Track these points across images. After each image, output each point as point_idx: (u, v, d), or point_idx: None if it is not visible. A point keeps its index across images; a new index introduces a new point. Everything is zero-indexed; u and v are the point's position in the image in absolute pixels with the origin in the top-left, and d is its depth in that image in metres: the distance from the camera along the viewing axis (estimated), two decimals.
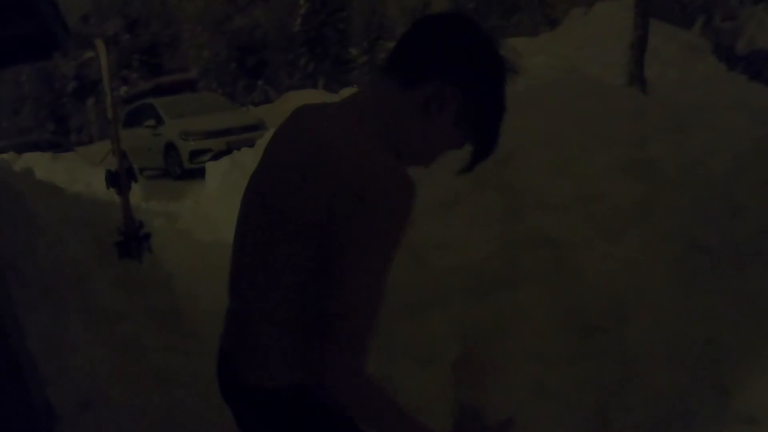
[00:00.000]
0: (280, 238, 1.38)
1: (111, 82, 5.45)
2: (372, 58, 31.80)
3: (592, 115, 3.74)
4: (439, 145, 1.55)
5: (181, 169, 14.13)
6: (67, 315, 3.88)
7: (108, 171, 5.25)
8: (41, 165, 9.90)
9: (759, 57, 20.90)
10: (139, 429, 3.50)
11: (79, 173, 10.95)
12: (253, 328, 1.46)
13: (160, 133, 14.62)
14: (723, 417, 2.30)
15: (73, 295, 4.03)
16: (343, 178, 1.30)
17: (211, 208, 9.05)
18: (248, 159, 8.55)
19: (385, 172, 1.31)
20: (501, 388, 2.61)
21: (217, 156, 11.12)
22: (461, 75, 1.42)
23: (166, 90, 19.15)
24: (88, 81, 40.88)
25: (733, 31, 22.56)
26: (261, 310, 1.45)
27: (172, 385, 3.73)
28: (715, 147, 3.28)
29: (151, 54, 40.45)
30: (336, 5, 33.88)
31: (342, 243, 1.31)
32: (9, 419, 3.42)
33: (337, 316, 1.31)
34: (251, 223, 1.52)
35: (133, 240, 4.82)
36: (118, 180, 5.04)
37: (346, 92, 9.49)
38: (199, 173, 10.86)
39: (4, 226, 4.22)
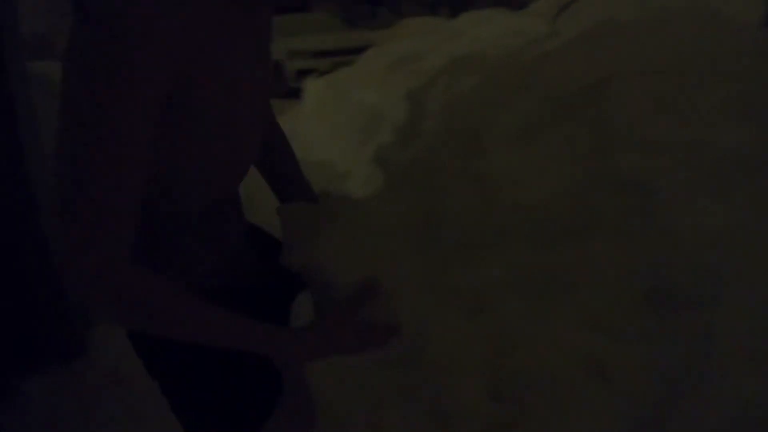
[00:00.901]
0: None
1: None
2: None
3: (712, 50, 3.10)
4: None
5: (286, 87, 13.99)
6: None
7: None
8: None
9: None
10: None
11: None
12: None
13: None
14: None
15: None
16: None
17: (304, 127, 8.80)
18: (345, 78, 8.16)
19: None
20: (547, 361, 2.12)
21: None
22: None
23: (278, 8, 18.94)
24: None
25: None
26: None
27: None
28: None
29: None
30: None
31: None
32: (46, 313, 3.34)
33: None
34: None
35: None
36: None
37: (454, 21, 8.91)
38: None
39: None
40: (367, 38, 14.44)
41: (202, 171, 1.20)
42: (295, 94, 12.86)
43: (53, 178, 0.96)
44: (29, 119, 3.23)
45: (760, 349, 1.99)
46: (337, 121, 7.30)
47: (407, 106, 4.95)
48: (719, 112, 2.59)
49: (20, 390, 3.30)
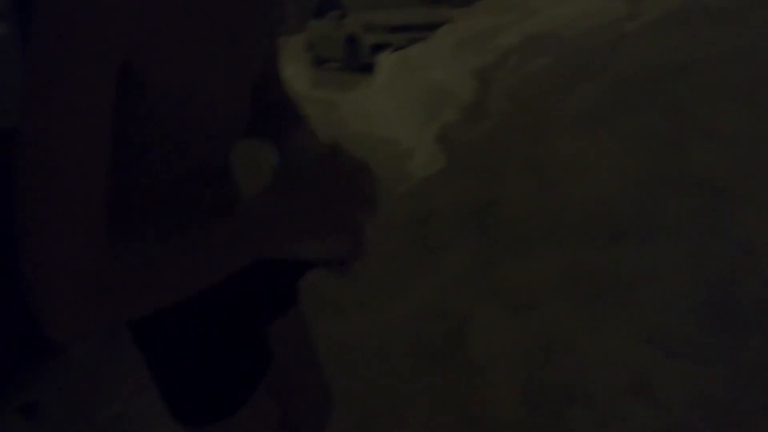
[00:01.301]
0: None
1: None
2: None
3: None
4: None
5: (360, 61, 13.86)
6: None
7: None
8: None
9: None
10: None
11: None
12: None
13: (344, 25, 14.38)
14: None
15: None
16: None
17: (373, 102, 8.64)
18: (417, 55, 7.94)
19: None
20: (590, 372, 1.93)
21: None
22: None
23: None
24: None
25: None
26: None
27: None
28: None
29: None
30: None
31: None
32: None
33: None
34: None
35: None
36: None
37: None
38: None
39: None
40: (446, 15, 14.11)
41: (172, 139, 1.06)
42: (368, 68, 12.71)
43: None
44: None
45: None
46: (405, 98, 7.13)
47: (475, 85, 4.75)
48: None
49: (67, 351, 3.33)
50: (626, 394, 1.83)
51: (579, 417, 1.83)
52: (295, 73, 12.43)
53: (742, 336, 1.83)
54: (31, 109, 0.80)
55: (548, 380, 2.03)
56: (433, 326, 2.72)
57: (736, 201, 2.20)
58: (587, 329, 2.09)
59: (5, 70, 4.33)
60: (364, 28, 13.79)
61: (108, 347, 3.39)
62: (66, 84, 0.79)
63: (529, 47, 4.66)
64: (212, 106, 1.06)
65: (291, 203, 0.93)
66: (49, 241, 0.83)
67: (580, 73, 3.41)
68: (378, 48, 12.94)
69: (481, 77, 4.77)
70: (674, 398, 1.76)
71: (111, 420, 2.81)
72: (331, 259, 1.23)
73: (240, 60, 1.10)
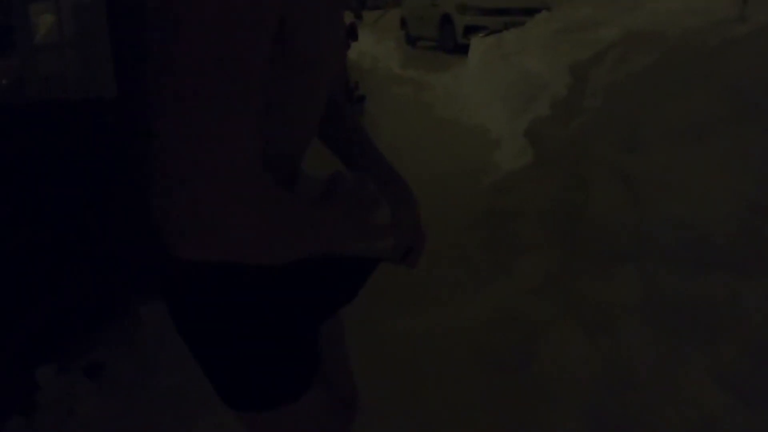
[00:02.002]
0: None
1: None
2: None
3: None
4: None
5: (454, 42, 13.71)
6: None
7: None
8: None
9: None
10: None
11: None
12: None
13: (438, 5, 14.15)
14: None
15: None
16: None
17: (464, 85, 8.50)
18: (512, 41, 7.76)
19: None
20: (662, 407, 1.81)
21: None
22: None
23: None
24: None
25: None
26: None
27: None
28: None
29: None
30: None
31: None
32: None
33: None
34: None
35: (347, 101, 4.42)
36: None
37: None
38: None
39: None
40: (544, 0, 13.72)
41: (293, 106, 1.09)
42: (462, 50, 12.52)
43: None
44: None
45: None
46: (497, 85, 6.94)
47: (570, 79, 4.57)
48: None
49: (138, 314, 3.35)
50: None
51: None
52: (387, 50, 12.35)
53: None
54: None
55: (614, 410, 1.92)
56: (502, 333, 2.64)
57: None
58: (662, 361, 1.97)
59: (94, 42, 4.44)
60: (458, 8, 13.56)
61: None
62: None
63: (630, 44, 4.45)
64: (322, 76, 1.13)
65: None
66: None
67: (683, 78, 3.22)
68: (472, 30, 12.72)
69: (576, 72, 4.59)
70: None
71: (177, 387, 2.80)
72: (387, 257, 1.30)
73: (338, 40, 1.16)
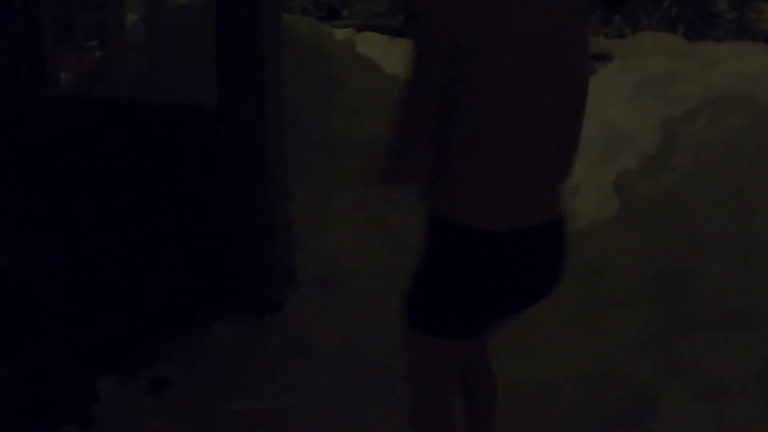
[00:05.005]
0: None
1: None
2: (741, 16, 28.24)
3: None
4: None
5: None
6: (335, 190, 3.71)
7: None
8: (376, 44, 9.82)
9: None
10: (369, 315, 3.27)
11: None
12: None
13: None
14: None
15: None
16: None
17: None
18: (592, 90, 7.68)
19: None
20: None
21: None
22: None
23: None
24: None
25: None
26: None
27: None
28: None
29: None
30: None
31: None
32: (252, 264, 3.37)
33: None
34: None
35: None
36: None
37: (707, 46, 8.11)
38: None
39: (305, 84, 4.13)
40: (602, 46, 13.62)
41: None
42: None
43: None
44: (275, 64, 3.21)
45: None
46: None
47: (659, 135, 4.57)
48: None
49: (208, 330, 3.23)
50: None
51: None
52: None
53: None
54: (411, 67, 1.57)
55: None
56: (603, 392, 2.62)
57: None
58: None
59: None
60: None
61: (255, 336, 3.27)
62: (423, 57, 1.57)
63: (721, 105, 4.45)
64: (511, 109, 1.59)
65: None
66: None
67: None
68: None
69: (666, 128, 4.59)
70: None
71: (246, 416, 2.70)
72: None
73: (539, 90, 1.62)
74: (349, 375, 2.96)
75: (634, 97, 5.89)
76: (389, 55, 7.88)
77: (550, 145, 1.68)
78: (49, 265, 2.75)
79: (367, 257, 3.64)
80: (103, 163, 3.42)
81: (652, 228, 3.61)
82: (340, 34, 6.96)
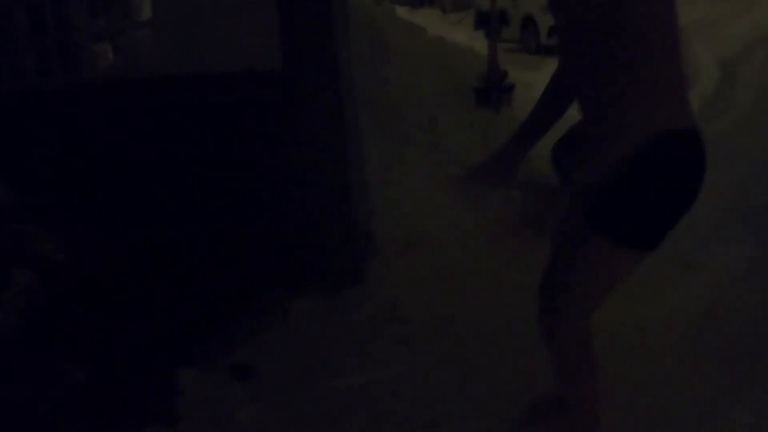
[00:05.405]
0: None
1: None
2: None
3: None
4: None
5: (536, 43, 13.62)
6: (409, 151, 3.70)
7: (478, 11, 4.90)
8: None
9: None
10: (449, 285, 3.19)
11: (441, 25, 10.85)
12: None
13: (519, 5, 13.97)
14: None
15: (420, 134, 3.83)
16: None
17: None
18: None
19: None
20: None
21: None
22: None
23: None
24: None
25: None
26: None
27: None
28: None
29: None
30: None
31: None
32: (329, 234, 3.27)
33: None
34: None
35: (494, 89, 4.49)
36: (488, 20, 4.64)
37: None
38: (555, 51, 10.22)
39: (361, 54, 4.06)
40: None
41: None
42: (546, 51, 12.43)
43: None
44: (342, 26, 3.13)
45: None
46: None
47: (717, 75, 4.53)
48: None
49: (288, 309, 3.07)
50: None
51: None
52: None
53: None
54: None
55: None
56: (713, 328, 2.60)
57: None
58: None
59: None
60: (543, 8, 13.46)
61: (339, 311, 3.14)
62: None
63: None
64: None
65: None
66: None
67: None
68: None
69: (724, 68, 4.55)
70: None
71: (331, 395, 2.57)
72: None
73: None
74: (448, 341, 2.83)
75: (686, 41, 5.80)
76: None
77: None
78: (118, 257, 2.70)
79: (446, 220, 3.57)
80: (169, 144, 3.23)
81: (727, 166, 3.58)
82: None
